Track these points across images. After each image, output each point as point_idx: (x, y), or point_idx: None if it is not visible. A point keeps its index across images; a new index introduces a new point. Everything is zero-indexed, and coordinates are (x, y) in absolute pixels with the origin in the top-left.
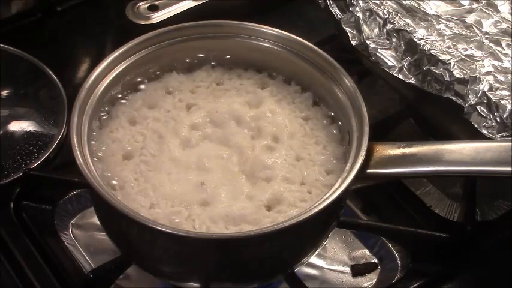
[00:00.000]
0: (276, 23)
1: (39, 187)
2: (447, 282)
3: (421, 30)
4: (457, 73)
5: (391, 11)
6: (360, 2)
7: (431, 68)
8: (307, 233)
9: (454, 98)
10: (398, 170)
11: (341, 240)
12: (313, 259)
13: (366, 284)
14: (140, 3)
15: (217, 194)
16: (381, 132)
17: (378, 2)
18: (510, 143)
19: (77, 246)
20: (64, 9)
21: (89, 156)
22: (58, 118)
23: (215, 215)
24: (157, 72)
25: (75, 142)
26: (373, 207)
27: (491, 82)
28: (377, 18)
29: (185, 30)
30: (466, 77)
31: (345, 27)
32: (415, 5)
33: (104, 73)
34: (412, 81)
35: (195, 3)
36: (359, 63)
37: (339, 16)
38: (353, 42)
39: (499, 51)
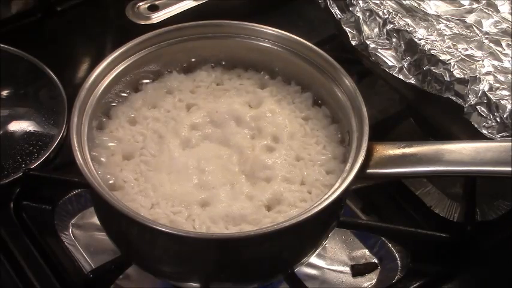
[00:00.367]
0: (276, 23)
1: (39, 187)
2: (447, 282)
3: (421, 30)
4: (457, 73)
5: (391, 11)
6: (360, 2)
7: (431, 68)
8: (307, 233)
9: (454, 98)
10: (398, 170)
11: (341, 240)
12: (313, 259)
13: (366, 284)
14: (140, 3)
15: (217, 194)
16: (381, 132)
17: (378, 2)
18: (510, 143)
19: (77, 246)
20: (64, 9)
21: (89, 156)
22: (58, 118)
23: (215, 215)
24: (158, 72)
25: (75, 142)
26: (373, 207)
27: (491, 82)
28: (377, 18)
29: (185, 30)
30: (466, 77)
31: (345, 27)
32: (415, 5)
33: (104, 73)
34: (412, 81)
35: (195, 3)
36: (359, 63)
37: (339, 16)
38: (353, 42)
39: (499, 51)
